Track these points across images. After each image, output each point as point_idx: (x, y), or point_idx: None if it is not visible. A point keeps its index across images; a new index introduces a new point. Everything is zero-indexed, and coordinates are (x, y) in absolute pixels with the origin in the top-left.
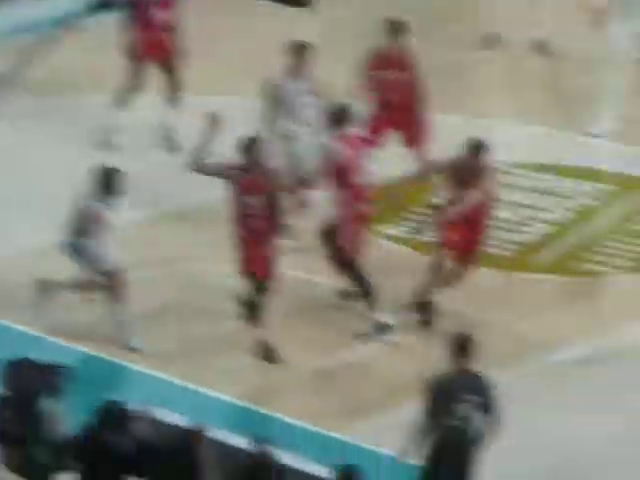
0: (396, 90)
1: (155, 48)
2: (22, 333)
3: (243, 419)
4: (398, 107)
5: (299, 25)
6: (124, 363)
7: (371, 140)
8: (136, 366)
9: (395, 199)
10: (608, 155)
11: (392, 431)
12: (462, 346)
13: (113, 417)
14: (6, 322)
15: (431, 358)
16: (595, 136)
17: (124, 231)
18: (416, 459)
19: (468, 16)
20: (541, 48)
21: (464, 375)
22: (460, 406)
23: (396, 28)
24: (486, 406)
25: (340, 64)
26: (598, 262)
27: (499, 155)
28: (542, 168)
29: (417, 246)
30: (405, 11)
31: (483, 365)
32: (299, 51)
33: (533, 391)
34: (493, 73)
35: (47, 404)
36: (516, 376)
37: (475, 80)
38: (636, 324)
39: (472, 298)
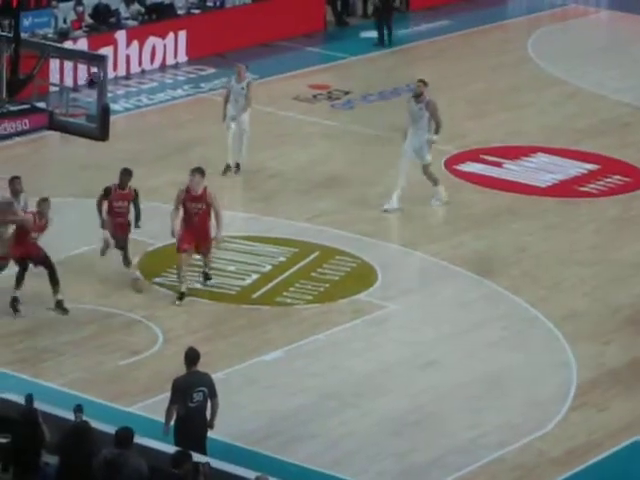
0: None
1: None
2: None
3: None
4: None
5: None
6: None
7: None
8: None
9: None
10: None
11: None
12: (192, 356)
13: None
14: None
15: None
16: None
17: None
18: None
19: None
20: None
21: (196, 374)
22: (195, 394)
23: None
24: (211, 393)
25: None
26: (289, 297)
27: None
28: (252, 238)
29: None
30: None
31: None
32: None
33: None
34: None
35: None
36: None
37: None
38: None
39: (208, 322)
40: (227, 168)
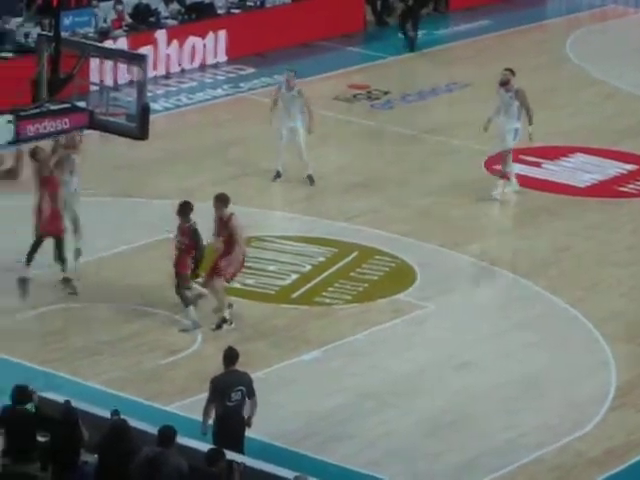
0: None
1: None
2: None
3: None
4: None
5: None
6: None
7: None
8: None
9: None
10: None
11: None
12: (231, 356)
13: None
14: None
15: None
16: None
17: None
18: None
19: None
20: None
21: (235, 373)
22: (233, 393)
23: None
24: (249, 393)
25: None
26: (328, 297)
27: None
28: (292, 238)
29: None
30: None
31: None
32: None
33: (285, 382)
34: None
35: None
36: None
37: None
38: (350, 337)
39: (248, 322)
40: (277, 175)
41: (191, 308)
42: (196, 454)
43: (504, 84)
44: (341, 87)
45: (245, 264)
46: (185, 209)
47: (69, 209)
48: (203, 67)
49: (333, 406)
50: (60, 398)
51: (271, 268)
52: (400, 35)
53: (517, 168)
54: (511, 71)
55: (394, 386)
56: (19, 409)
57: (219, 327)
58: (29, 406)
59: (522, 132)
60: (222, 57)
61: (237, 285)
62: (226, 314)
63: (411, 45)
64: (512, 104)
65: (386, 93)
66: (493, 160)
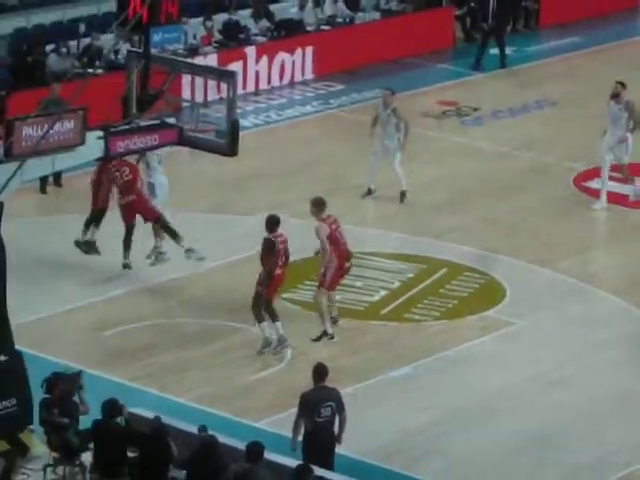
0: None
1: None
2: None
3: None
4: None
5: None
6: None
7: None
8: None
9: None
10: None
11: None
12: (321, 372)
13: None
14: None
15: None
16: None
17: None
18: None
19: None
20: None
21: (324, 389)
22: (323, 409)
23: None
24: (339, 409)
25: None
26: (417, 313)
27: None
28: (380, 255)
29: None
30: None
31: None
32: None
33: (374, 398)
34: None
35: (77, 398)
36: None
37: None
38: (440, 353)
39: (337, 338)
40: (369, 192)
41: (264, 324)
42: (285, 470)
43: (615, 96)
44: (430, 103)
45: (344, 272)
46: (267, 222)
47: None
48: (292, 84)
49: (423, 422)
50: (149, 414)
51: (358, 284)
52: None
53: (609, 185)
54: (622, 84)
55: (484, 403)
56: (110, 423)
57: (318, 339)
58: (119, 420)
59: (632, 144)
60: (311, 74)
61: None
62: (327, 327)
63: (478, 64)
64: (621, 116)
65: (476, 109)
66: (582, 177)
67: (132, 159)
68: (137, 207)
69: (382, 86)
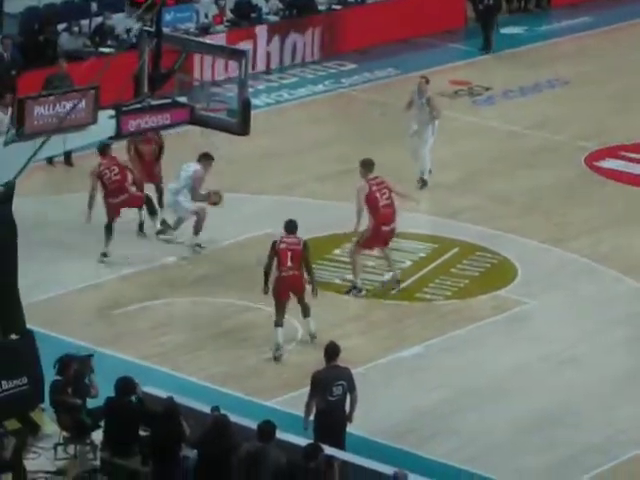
0: None
1: None
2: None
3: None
4: None
5: None
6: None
7: None
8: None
9: None
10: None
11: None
12: (332, 351)
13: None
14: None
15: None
16: None
17: None
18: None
19: None
20: None
21: (336, 368)
22: (335, 388)
23: None
24: (350, 388)
25: None
26: (429, 292)
27: None
28: None
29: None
30: None
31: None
32: None
33: (385, 378)
34: None
35: (87, 380)
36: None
37: None
38: (451, 333)
39: (348, 317)
40: (423, 183)
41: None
42: (296, 449)
43: None
44: (442, 83)
45: (383, 235)
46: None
47: None
48: (304, 63)
49: (434, 402)
50: (161, 393)
51: (370, 264)
52: (514, 28)
53: (619, 164)
54: None
55: (495, 382)
56: (123, 401)
57: (347, 292)
58: (133, 398)
59: None
60: (323, 53)
61: (336, 281)
62: (357, 281)
63: (485, 46)
64: None
65: (487, 89)
66: (594, 156)
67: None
68: (128, 203)
69: (393, 64)
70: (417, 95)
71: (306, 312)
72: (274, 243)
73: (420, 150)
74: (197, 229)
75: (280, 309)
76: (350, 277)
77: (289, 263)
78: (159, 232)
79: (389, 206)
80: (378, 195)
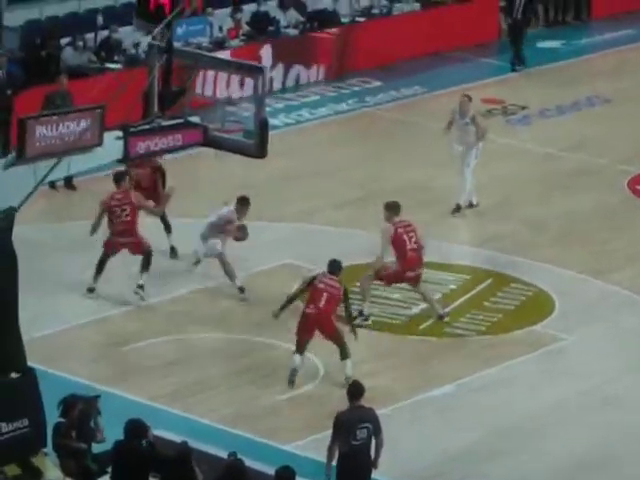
0: None
1: None
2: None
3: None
4: None
5: None
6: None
7: None
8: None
9: None
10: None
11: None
12: (356, 390)
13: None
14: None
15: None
16: None
17: None
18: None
19: None
20: None
21: (360, 409)
22: (359, 431)
23: None
24: (375, 430)
25: None
26: (460, 327)
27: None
28: None
29: None
30: None
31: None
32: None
33: (413, 419)
34: None
35: (93, 424)
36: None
37: None
38: (484, 370)
39: (373, 354)
40: (470, 205)
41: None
42: None
43: None
44: (474, 101)
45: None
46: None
47: None
48: (326, 79)
49: (464, 445)
50: (172, 436)
51: (396, 296)
52: (551, 42)
53: None
54: None
55: (531, 423)
56: (133, 444)
57: (353, 318)
58: (143, 442)
59: None
60: (345, 70)
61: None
62: (365, 307)
63: (515, 62)
64: None
65: (523, 108)
66: (637, 180)
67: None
68: (130, 248)
69: (420, 82)
70: (459, 115)
71: (343, 354)
72: (312, 279)
73: (461, 174)
74: (231, 273)
75: (301, 346)
76: (374, 310)
77: (321, 304)
78: (139, 287)
79: (416, 250)
80: (406, 238)
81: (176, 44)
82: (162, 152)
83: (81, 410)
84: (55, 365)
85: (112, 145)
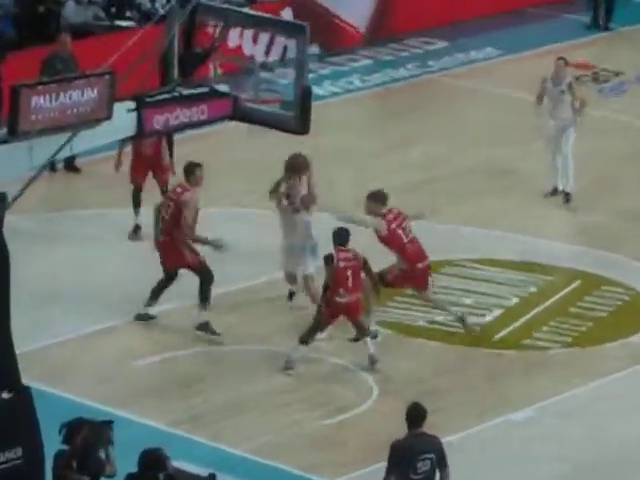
0: None
1: None
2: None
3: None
4: None
5: None
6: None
7: None
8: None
9: None
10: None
11: None
12: (417, 414)
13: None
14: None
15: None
16: None
17: None
18: None
19: None
20: None
21: (421, 437)
22: (420, 463)
23: None
24: (440, 462)
25: None
26: (541, 339)
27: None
28: (495, 263)
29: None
30: None
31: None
32: None
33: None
34: None
35: (103, 454)
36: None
37: None
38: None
39: (437, 370)
40: (554, 191)
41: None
42: None
43: None
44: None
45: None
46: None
47: None
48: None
49: (547, 478)
50: (194, 468)
51: (467, 302)
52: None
53: None
54: None
55: (626, 454)
56: (148, 478)
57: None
58: (161, 476)
59: None
60: (406, 27)
61: (421, 323)
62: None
63: (605, 19)
64: None
65: (618, 74)
66: None
67: None
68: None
69: (494, 44)
70: (551, 82)
71: (361, 332)
72: (330, 259)
73: (558, 155)
74: (313, 295)
75: (315, 331)
76: (438, 318)
77: (349, 284)
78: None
79: (413, 241)
80: (401, 232)
81: None
82: (184, 127)
83: (84, 437)
84: (55, 383)
85: (123, 119)
